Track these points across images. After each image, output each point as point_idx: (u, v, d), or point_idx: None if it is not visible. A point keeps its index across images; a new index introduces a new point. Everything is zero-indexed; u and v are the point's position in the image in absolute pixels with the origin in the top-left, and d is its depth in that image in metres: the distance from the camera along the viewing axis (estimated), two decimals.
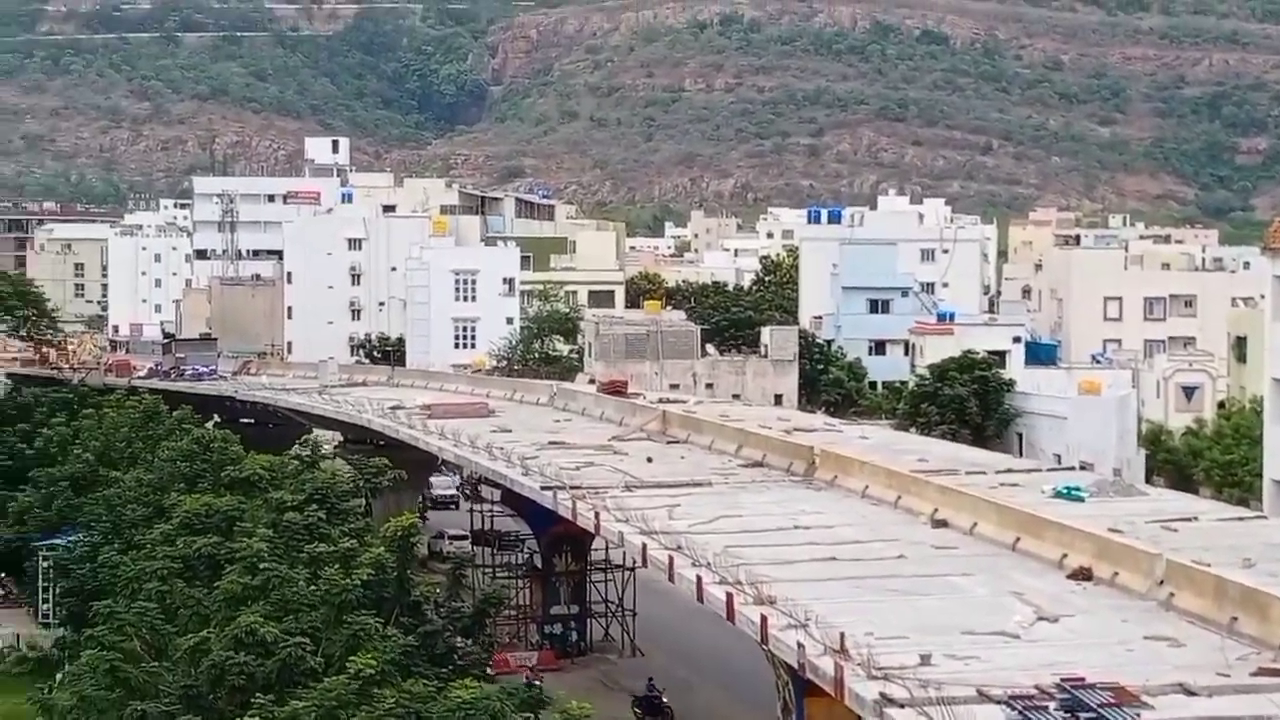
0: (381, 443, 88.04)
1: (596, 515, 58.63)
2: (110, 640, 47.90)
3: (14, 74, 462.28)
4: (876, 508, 58.78)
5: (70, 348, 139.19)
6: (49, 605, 78.81)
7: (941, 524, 54.47)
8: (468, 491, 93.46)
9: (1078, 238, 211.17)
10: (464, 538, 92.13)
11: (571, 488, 62.61)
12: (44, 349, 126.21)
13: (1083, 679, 33.27)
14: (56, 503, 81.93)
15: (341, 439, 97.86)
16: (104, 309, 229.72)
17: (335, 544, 53.88)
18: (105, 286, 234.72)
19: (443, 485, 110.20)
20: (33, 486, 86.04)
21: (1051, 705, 31.75)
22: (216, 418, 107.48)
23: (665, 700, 63.63)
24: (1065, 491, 58.33)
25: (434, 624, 52.18)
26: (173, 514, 61.49)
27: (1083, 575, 45.88)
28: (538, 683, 59.99)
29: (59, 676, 59.98)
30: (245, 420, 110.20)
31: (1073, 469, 70.39)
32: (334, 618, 47.97)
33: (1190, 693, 34.53)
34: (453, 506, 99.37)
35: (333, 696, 38.22)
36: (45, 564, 78.84)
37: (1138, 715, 31.07)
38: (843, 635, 38.56)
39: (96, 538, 71.47)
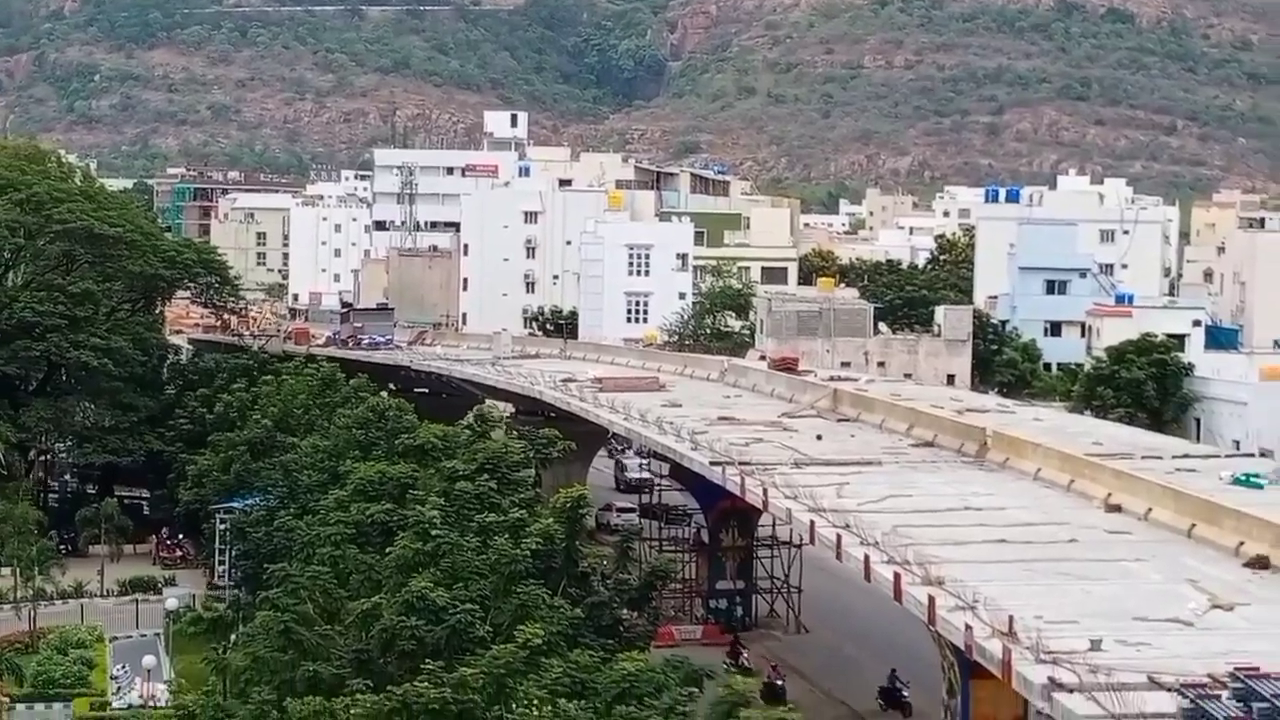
0: (552, 414, 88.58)
1: (765, 491, 58.54)
2: (284, 603, 48.69)
3: (202, 45, 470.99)
4: (1049, 490, 58.15)
5: (251, 315, 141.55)
6: (225, 567, 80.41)
7: (1115, 509, 53.76)
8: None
9: (1263, 220, 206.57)
10: (631, 511, 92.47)
11: (740, 463, 62.55)
12: (226, 316, 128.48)
13: (1257, 668, 32.65)
14: (235, 467, 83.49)
15: (513, 410, 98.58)
16: (284, 277, 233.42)
17: (505, 514, 54.29)
18: (286, 255, 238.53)
19: (636, 467, 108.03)
20: (212, 450, 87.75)
21: (1224, 694, 31.21)
22: (391, 386, 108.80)
23: (907, 694, 62.74)
24: (1244, 479, 57.28)
25: (601, 595, 52.40)
26: (347, 480, 62.38)
27: (1260, 564, 45.05)
28: (780, 682, 60.04)
29: (233, 637, 61.16)
30: (419, 390, 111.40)
31: (1252, 456, 69.02)
32: (503, 587, 48.35)
33: None
34: (647, 490, 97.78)
35: (501, 664, 38.53)
36: (222, 527, 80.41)
37: None
38: (1011, 618, 38.21)
39: (273, 502, 72.77)
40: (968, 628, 39.47)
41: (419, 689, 35.65)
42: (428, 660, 40.16)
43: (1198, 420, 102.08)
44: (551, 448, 69.39)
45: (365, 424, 73.18)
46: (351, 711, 36.17)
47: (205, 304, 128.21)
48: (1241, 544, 46.60)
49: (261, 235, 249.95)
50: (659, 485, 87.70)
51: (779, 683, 59.92)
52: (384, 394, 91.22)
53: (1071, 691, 33.60)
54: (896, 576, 44.66)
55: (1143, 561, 46.63)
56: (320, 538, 56.60)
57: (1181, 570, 45.12)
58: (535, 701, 36.72)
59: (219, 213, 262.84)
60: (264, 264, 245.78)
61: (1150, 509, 52.25)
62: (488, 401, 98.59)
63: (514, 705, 36.71)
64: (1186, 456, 64.67)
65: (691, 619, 74.02)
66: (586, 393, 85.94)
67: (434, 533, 51.37)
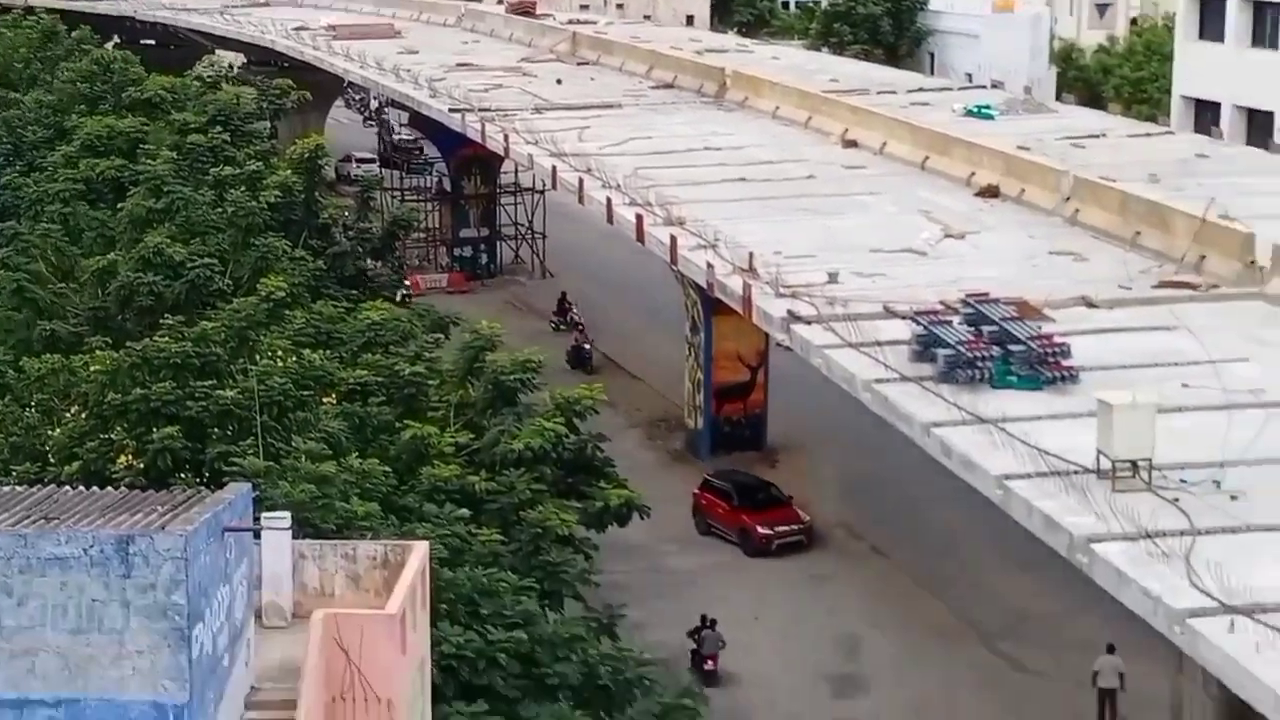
0: (286, 64, 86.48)
1: (506, 138, 58.37)
2: (16, 262, 47.34)
3: None
4: (787, 128, 58.81)
5: None
6: None
7: (852, 144, 54.64)
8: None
9: None
10: (371, 161, 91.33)
11: (480, 110, 62.16)
12: None
13: (987, 294, 33.66)
14: None
15: (245, 60, 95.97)
16: None
17: (240, 166, 53.10)
18: None
19: (402, 129, 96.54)
20: None
21: (955, 320, 32.15)
22: (116, 39, 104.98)
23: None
24: (975, 110, 58.48)
25: (343, 246, 51.86)
26: (74, 136, 60.34)
27: (990, 192, 46.27)
28: (587, 346, 59.86)
29: None
30: (146, 41, 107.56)
31: (983, 87, 70.38)
32: (241, 240, 47.52)
33: (1092, 305, 35.11)
34: (419, 152, 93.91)
35: (242, 317, 37.97)
36: None
37: (1040, 328, 31.51)
38: (751, 255, 38.81)
39: None
40: (709, 266, 40.02)
41: (159, 344, 35.00)
42: (167, 315, 39.47)
43: (932, 54, 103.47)
44: (285, 98, 67.75)
45: (90, 78, 70.51)
46: (91, 368, 35.50)
47: None
48: (973, 174, 47.71)
49: None
50: (379, 130, 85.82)
51: (586, 347, 60.03)
52: (109, 46, 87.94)
53: (810, 323, 34.37)
54: (638, 218, 45.01)
55: (878, 194, 47.54)
56: (49, 195, 54.82)
57: (915, 201, 46.11)
58: (279, 352, 36.42)
59: None
60: None
61: (885, 143, 53.14)
62: (218, 52, 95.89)
63: (257, 357, 36.35)
64: (920, 90, 65.69)
65: (437, 268, 73.96)
66: (320, 41, 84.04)
67: (167, 188, 50.11)
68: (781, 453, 51.35)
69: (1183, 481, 24.96)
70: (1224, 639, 20.47)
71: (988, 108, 58.63)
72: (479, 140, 61.82)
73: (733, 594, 42.39)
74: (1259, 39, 68.86)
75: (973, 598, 41.46)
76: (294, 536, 22.42)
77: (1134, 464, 24.93)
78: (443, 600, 26.09)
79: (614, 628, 30.94)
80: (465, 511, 30.38)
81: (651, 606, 41.48)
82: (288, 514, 22.31)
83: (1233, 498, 24.45)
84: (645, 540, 42.36)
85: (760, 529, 44.83)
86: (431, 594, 23.71)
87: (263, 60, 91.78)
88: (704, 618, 39.13)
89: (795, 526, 45.13)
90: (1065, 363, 30.27)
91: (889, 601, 41.54)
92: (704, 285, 41.52)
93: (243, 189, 49.83)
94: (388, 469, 31.12)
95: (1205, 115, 71.54)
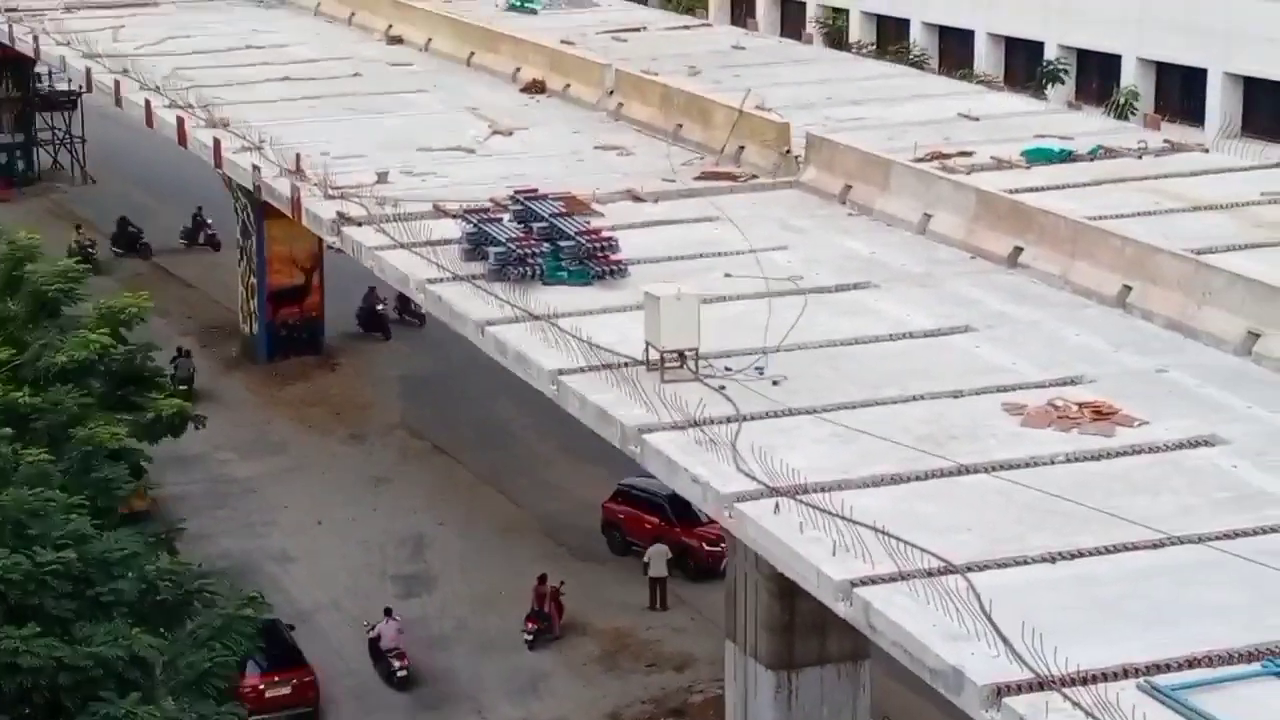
0: None
1: (35, 39, 56.29)
2: None
3: None
4: (331, 25, 58.27)
5: None
6: None
7: (397, 40, 54.40)
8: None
9: None
10: None
11: (7, 10, 59.82)
12: None
13: (535, 190, 33.95)
14: None
15: None
16: None
17: None
18: None
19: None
20: None
21: (505, 217, 32.36)
22: None
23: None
24: (518, 4, 58.73)
25: None
26: None
27: (536, 88, 46.63)
28: None
29: None
30: None
31: None
32: None
33: (638, 199, 35.80)
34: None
35: None
36: None
37: (588, 223, 31.96)
38: (298, 156, 38.34)
39: None
40: (256, 169, 39.38)
41: None
42: None
43: None
44: None
45: None
46: None
47: None
48: (518, 70, 48.00)
49: None
50: None
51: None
52: None
53: (360, 224, 34.17)
54: (180, 121, 44.03)
55: (425, 92, 47.46)
56: None
57: (463, 98, 46.20)
58: None
59: None
60: None
61: (430, 39, 53.01)
62: None
63: None
64: None
65: None
66: None
67: None
68: (340, 355, 51.04)
69: (727, 370, 25.71)
70: (769, 520, 21.23)
71: (531, 1, 58.95)
72: (8, 42, 59.41)
73: (295, 500, 42.10)
74: None
75: (535, 491, 42.08)
76: None
77: (681, 354, 25.57)
78: None
79: (173, 541, 30.40)
80: (9, 430, 29.33)
81: (212, 516, 40.97)
82: None
83: (774, 383, 25.30)
84: (203, 450, 41.67)
85: (708, 546, 37.29)
86: None
87: None
88: None
89: None
90: (614, 256, 30.78)
91: (453, 499, 41.83)
92: (252, 188, 40.82)
93: None
94: None
95: (741, 7, 73.41)
